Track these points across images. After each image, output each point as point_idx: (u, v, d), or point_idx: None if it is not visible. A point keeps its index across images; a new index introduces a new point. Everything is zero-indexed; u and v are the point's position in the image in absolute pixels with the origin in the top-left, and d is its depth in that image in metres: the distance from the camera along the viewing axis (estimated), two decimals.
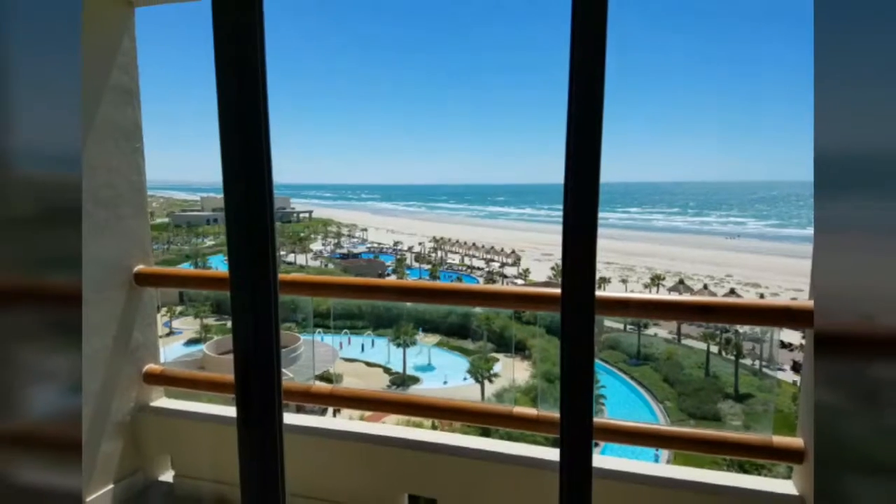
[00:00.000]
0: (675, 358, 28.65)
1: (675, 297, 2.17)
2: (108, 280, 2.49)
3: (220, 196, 0.68)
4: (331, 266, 50.41)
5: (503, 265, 53.72)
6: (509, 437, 2.55)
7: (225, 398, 2.77)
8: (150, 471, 2.69)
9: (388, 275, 45.91)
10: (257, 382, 0.69)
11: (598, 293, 1.61)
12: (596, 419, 0.99)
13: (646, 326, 32.17)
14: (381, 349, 31.50)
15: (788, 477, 1.98)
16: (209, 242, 58.63)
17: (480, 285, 2.45)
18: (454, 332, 33.32)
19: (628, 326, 32.90)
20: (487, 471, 2.17)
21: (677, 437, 2.10)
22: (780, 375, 26.68)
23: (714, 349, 29.18)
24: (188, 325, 33.48)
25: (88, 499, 2.38)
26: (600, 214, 0.64)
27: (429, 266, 51.30)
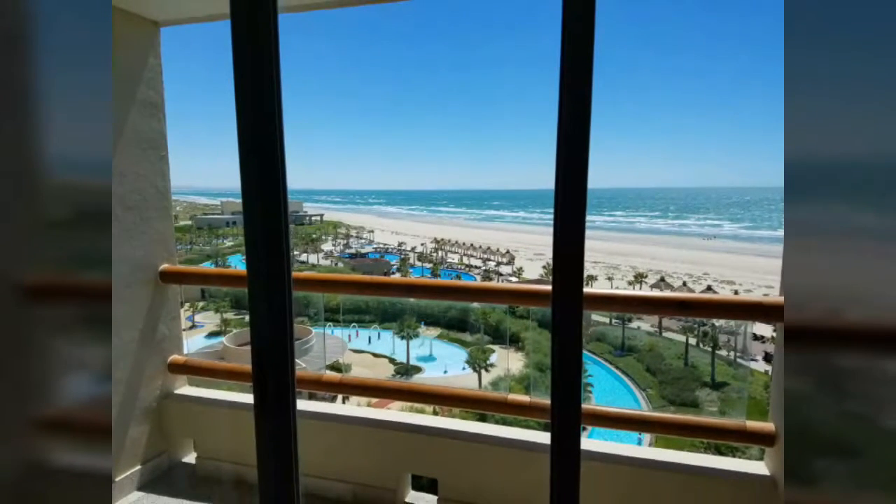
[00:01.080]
0: (656, 349, 28.62)
1: (656, 293, 2.17)
2: (136, 278, 2.49)
3: (239, 200, 0.68)
4: (340, 265, 50.36)
5: (499, 264, 53.70)
6: (504, 422, 2.54)
7: (243, 386, 2.77)
8: (174, 453, 2.69)
9: (393, 273, 45.87)
10: (273, 371, 0.69)
11: (586, 289, 1.61)
12: (584, 405, 0.99)
13: (629, 320, 32.14)
14: (386, 341, 31.46)
15: (761, 458, 1.98)
16: (228, 243, 58.58)
17: (478, 282, 2.44)
18: (454, 326, 33.28)
19: (613, 320, 32.88)
20: (484, 452, 2.17)
21: (658, 422, 2.10)
22: (752, 365, 26.62)
23: (692, 341, 29.14)
24: (209, 319, 33.46)
25: (118, 478, 2.38)
26: (588, 217, 0.65)
27: (430, 265, 51.27)
